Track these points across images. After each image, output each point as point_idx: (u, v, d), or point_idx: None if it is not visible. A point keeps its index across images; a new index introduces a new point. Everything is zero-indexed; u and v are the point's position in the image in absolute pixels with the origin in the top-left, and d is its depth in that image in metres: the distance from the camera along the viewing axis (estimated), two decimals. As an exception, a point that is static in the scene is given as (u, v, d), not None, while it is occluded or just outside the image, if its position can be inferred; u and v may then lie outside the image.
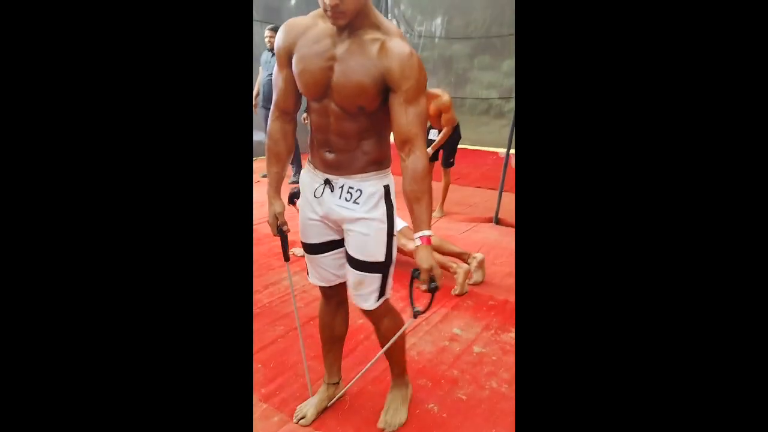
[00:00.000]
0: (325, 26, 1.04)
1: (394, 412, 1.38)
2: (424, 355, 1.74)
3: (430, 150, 3.28)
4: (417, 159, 1.04)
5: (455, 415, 1.43)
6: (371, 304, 1.22)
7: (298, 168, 4.75)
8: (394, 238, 1.19)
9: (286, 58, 1.10)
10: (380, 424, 1.35)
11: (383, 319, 1.28)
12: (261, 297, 2.16)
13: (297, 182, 4.81)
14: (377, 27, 1.03)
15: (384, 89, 1.03)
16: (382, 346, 1.33)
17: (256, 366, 1.64)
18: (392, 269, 1.22)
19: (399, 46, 1.00)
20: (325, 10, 0.97)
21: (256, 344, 1.76)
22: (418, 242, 1.04)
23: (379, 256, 1.17)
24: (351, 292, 1.25)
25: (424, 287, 1.05)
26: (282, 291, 2.21)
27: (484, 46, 6.05)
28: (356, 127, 1.09)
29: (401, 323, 1.31)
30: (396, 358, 1.39)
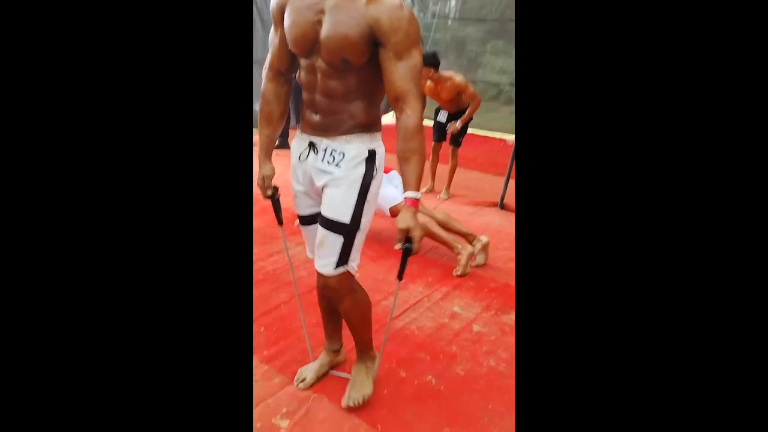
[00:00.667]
0: None
1: (360, 386, 1.34)
2: (424, 330, 1.77)
3: (459, 124, 3.25)
4: (408, 117, 1.01)
5: (452, 388, 1.46)
6: (329, 269, 1.15)
7: (284, 137, 4.69)
8: (367, 205, 1.12)
9: (279, 16, 1.08)
10: (344, 402, 1.30)
11: (345, 298, 1.21)
12: (265, 264, 2.17)
13: (276, 148, 4.76)
14: None
15: (372, 42, 0.98)
16: (345, 320, 1.30)
17: (259, 329, 1.66)
18: (359, 237, 1.14)
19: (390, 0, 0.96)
20: None
21: (260, 309, 1.78)
22: (403, 204, 1.05)
23: (344, 218, 1.10)
24: (314, 255, 1.19)
25: (398, 246, 1.05)
26: (286, 259, 2.22)
27: (499, 31, 5.95)
28: (342, 87, 1.05)
29: (368, 304, 1.29)
30: (360, 334, 1.34)
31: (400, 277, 1.17)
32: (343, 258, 1.14)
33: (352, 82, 1.05)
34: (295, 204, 1.25)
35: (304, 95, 1.12)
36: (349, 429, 1.26)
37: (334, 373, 1.46)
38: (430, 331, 1.76)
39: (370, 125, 1.12)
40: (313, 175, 1.14)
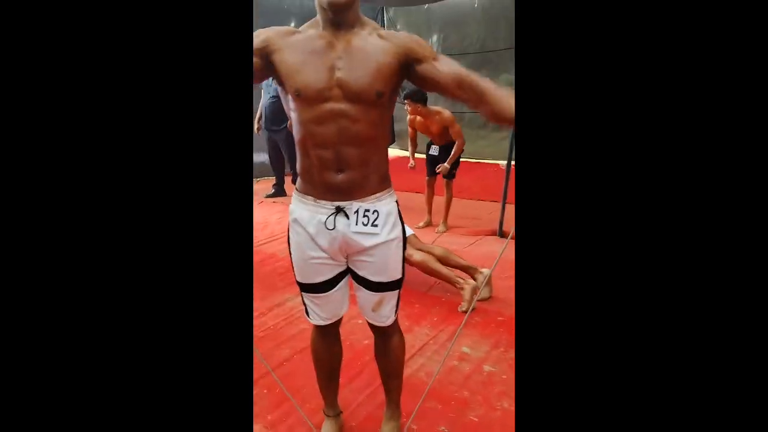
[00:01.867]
0: (314, 31, 1.03)
1: None
2: (432, 375, 1.70)
3: (446, 164, 3.27)
4: (484, 83, 1.03)
5: (468, 438, 1.39)
6: (391, 319, 1.23)
7: (280, 185, 4.70)
8: (405, 252, 1.19)
9: (260, 48, 1.02)
10: None
11: (395, 334, 1.28)
12: (266, 319, 2.13)
13: (273, 196, 4.71)
14: (365, 23, 1.05)
15: (404, 67, 1.03)
16: (385, 365, 1.31)
17: (262, 392, 1.60)
18: (402, 283, 1.22)
19: (399, 33, 1.07)
20: (323, 8, 0.98)
21: (262, 369, 1.72)
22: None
23: (397, 274, 1.17)
24: (367, 314, 1.22)
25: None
26: (287, 312, 2.18)
27: (481, 61, 6.11)
28: (368, 129, 1.03)
29: (404, 343, 1.32)
30: (398, 382, 1.35)
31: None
32: (398, 305, 1.24)
33: (376, 120, 1.04)
34: (309, 273, 1.16)
35: (319, 153, 1.04)
36: (361, 496, 1.18)
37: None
38: (440, 377, 1.69)
39: (388, 176, 1.13)
40: (351, 240, 1.09)
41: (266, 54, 1.03)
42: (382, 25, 6.77)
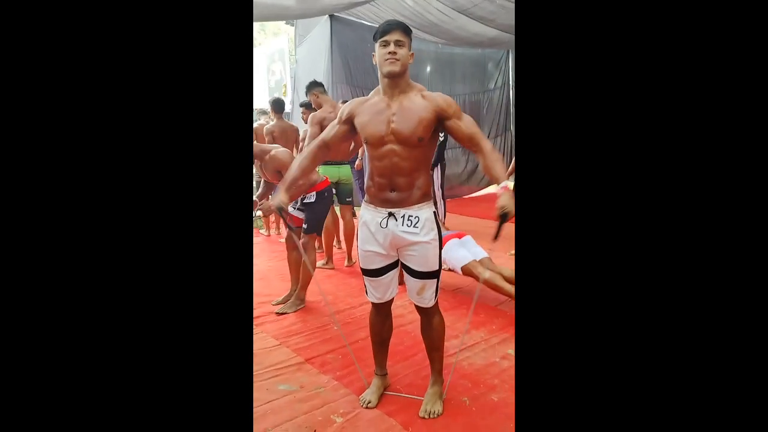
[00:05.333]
0: (378, 98, 1.59)
1: (433, 404, 1.70)
2: (474, 366, 2.02)
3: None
4: (485, 144, 1.51)
5: (483, 410, 1.69)
6: (431, 302, 1.66)
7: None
8: (441, 250, 1.65)
9: (346, 117, 1.64)
10: (421, 413, 1.67)
11: (436, 315, 1.72)
12: (355, 311, 2.65)
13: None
14: (413, 87, 1.58)
15: (438, 120, 1.51)
16: (428, 340, 1.74)
17: (337, 357, 2.12)
18: (440, 274, 1.66)
19: (434, 94, 1.56)
20: (384, 59, 1.50)
21: (341, 342, 2.24)
22: (501, 190, 1.40)
23: (435, 267, 1.62)
24: (414, 297, 1.67)
25: (498, 213, 1.34)
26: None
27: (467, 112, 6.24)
28: (413, 163, 1.54)
29: (444, 322, 1.75)
30: (440, 354, 1.75)
31: (495, 237, 1.42)
32: (437, 291, 1.67)
33: (419, 157, 1.56)
34: (367, 262, 1.67)
35: (378, 180, 1.58)
36: (386, 428, 1.60)
37: (388, 393, 1.83)
38: (479, 367, 2.01)
39: (429, 193, 1.62)
40: (396, 236, 1.58)
41: (351, 119, 1.64)
42: (507, 66, 7.26)
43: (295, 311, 2.68)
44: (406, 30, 1.52)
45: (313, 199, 2.69)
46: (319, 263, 3.51)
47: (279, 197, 1.69)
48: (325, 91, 3.56)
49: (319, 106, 3.44)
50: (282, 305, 2.74)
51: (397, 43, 1.49)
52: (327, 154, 1.75)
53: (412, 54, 1.54)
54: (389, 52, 1.49)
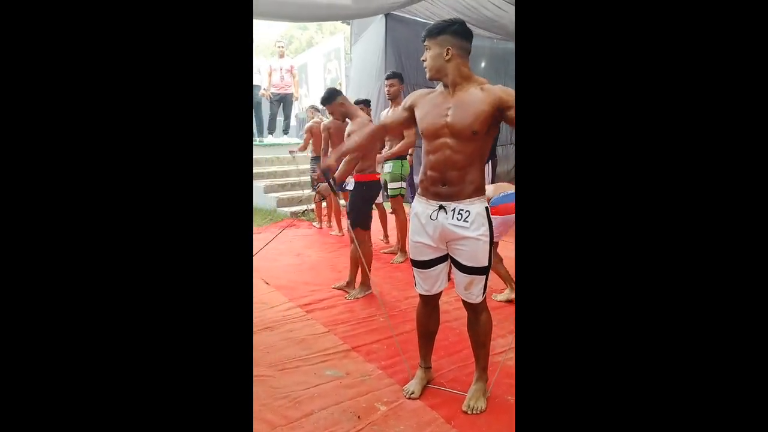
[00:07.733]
0: (439, 92, 1.61)
1: (476, 400, 1.69)
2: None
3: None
4: None
5: (528, 409, 1.67)
6: (479, 298, 1.65)
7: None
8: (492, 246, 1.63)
9: (410, 108, 1.67)
10: (464, 407, 1.67)
11: (483, 312, 1.69)
12: (403, 305, 2.69)
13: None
14: (474, 80, 1.57)
15: (497, 112, 1.49)
16: (475, 336, 1.72)
17: (383, 347, 2.16)
18: (490, 270, 1.64)
19: (495, 86, 1.54)
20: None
21: (388, 333, 2.28)
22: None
23: (484, 262, 1.60)
24: (461, 292, 1.67)
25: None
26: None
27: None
28: (466, 157, 1.54)
29: (491, 320, 1.72)
30: (485, 351, 1.74)
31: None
32: (486, 287, 1.66)
33: (472, 151, 1.55)
34: (416, 253, 1.69)
35: (431, 173, 1.59)
36: (428, 420, 1.61)
37: (431, 386, 1.84)
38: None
39: (481, 188, 1.61)
40: (446, 229, 1.58)
41: (412, 108, 1.67)
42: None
43: (363, 296, 2.82)
44: (430, 32, 1.55)
45: (350, 187, 2.75)
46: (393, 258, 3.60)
47: (328, 161, 1.79)
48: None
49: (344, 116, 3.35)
50: (352, 291, 2.87)
51: (426, 49, 1.55)
52: (383, 136, 1.84)
53: (448, 49, 1.52)
54: (423, 59, 1.56)
